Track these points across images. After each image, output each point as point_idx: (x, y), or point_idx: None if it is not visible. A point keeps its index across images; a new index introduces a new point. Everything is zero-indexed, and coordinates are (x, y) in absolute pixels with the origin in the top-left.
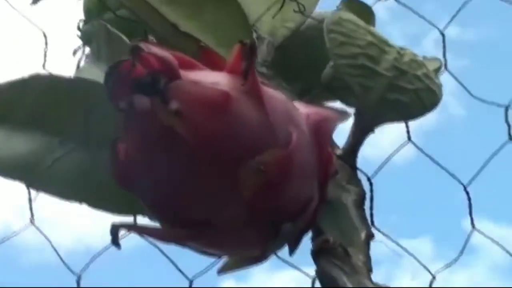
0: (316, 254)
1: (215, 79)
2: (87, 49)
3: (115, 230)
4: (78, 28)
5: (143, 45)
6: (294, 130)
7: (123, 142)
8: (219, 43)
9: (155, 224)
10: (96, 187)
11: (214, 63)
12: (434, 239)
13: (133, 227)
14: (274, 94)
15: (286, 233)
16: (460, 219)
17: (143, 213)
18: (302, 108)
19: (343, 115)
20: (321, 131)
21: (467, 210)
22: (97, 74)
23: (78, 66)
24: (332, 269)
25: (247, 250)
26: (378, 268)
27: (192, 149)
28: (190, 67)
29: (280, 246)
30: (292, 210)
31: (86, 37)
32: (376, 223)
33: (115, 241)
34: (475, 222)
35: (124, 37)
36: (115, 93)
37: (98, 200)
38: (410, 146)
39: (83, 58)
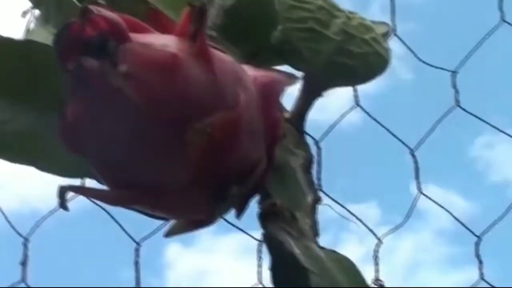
0: (263, 218)
1: (164, 42)
2: (37, 12)
3: (62, 192)
4: None
5: (92, 7)
6: (242, 92)
7: (71, 104)
8: (168, 6)
9: (103, 187)
10: (45, 149)
11: (164, 26)
12: (381, 204)
13: (80, 189)
14: (223, 57)
15: (233, 197)
16: (407, 184)
17: (92, 176)
18: (251, 71)
19: (292, 79)
20: (269, 94)
21: (414, 175)
22: (47, 37)
23: (27, 29)
24: (279, 232)
25: (194, 213)
26: (326, 232)
27: (140, 111)
28: (139, 30)
29: (227, 210)
30: (239, 173)
31: (36, 0)
32: (324, 187)
33: (63, 203)
34: (424, 188)
35: (75, 1)
36: (64, 55)
37: (46, 163)
38: (359, 112)
39: (33, 21)
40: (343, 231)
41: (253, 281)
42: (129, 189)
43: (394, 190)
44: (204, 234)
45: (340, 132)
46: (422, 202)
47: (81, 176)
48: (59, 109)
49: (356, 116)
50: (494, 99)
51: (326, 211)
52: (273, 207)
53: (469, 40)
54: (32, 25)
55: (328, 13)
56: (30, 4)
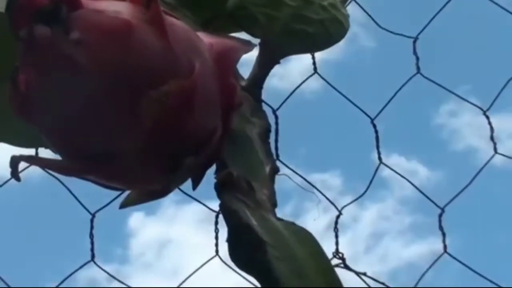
0: (220, 188)
1: (117, 8)
2: None
3: (14, 162)
4: None
5: None
6: (197, 59)
7: (22, 72)
8: None
9: (57, 157)
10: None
11: None
12: (344, 173)
13: (33, 159)
14: (177, 24)
15: (189, 167)
16: (369, 153)
17: (46, 146)
18: (206, 38)
19: (248, 46)
20: (225, 61)
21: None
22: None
23: None
24: (235, 203)
25: (149, 183)
26: (287, 202)
27: (93, 79)
28: None
29: (183, 180)
30: (195, 142)
31: None
32: (286, 155)
33: (15, 173)
34: (387, 157)
35: None
36: (16, 23)
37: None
38: (320, 80)
39: None
40: (306, 200)
41: (212, 251)
42: (83, 158)
43: (357, 158)
44: (167, 203)
45: (301, 100)
46: (387, 171)
47: (35, 145)
48: (10, 77)
49: (317, 83)
50: (458, 66)
51: (288, 181)
52: (229, 177)
53: (431, 5)
54: None
55: None
56: None
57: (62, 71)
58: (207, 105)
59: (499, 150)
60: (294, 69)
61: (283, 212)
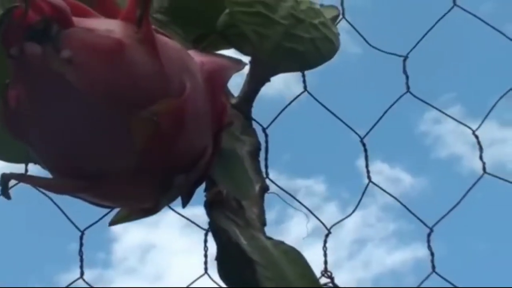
0: (209, 206)
1: (109, 27)
2: None
3: (5, 180)
4: None
5: None
6: (188, 79)
7: (13, 89)
8: None
9: (47, 174)
10: None
11: (109, 10)
12: (328, 179)
13: (24, 178)
14: (169, 43)
15: (179, 185)
16: (354, 159)
17: (35, 162)
18: (197, 57)
19: (238, 64)
20: (216, 80)
21: (362, 155)
22: None
23: None
24: (225, 222)
25: (139, 202)
26: (272, 207)
27: (84, 98)
28: (84, 14)
29: (173, 198)
30: (185, 161)
31: None
32: (270, 161)
33: (5, 192)
34: (370, 164)
35: None
36: (7, 40)
37: None
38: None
39: None
40: (289, 207)
41: (198, 257)
42: (73, 177)
43: (341, 165)
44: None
45: (284, 105)
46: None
47: (25, 161)
48: (1, 94)
49: (300, 89)
50: (442, 74)
51: (271, 185)
52: (218, 195)
53: (420, 22)
54: None
55: None
56: None
57: (53, 89)
58: (198, 124)
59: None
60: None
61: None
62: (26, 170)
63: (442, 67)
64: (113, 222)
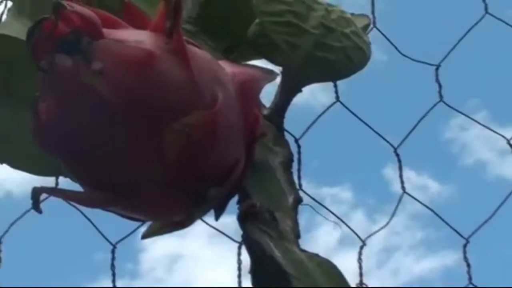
0: (243, 219)
1: (139, 38)
2: (10, 3)
3: (36, 194)
4: None
5: (65, 3)
6: (219, 90)
7: (44, 102)
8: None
9: (77, 186)
10: (19, 147)
11: (139, 21)
12: (354, 186)
13: (54, 191)
14: (200, 53)
15: (212, 198)
16: (380, 166)
17: (65, 175)
18: (228, 68)
19: (270, 75)
20: (248, 91)
21: (389, 163)
22: (19, 29)
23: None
24: (259, 234)
25: (171, 215)
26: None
27: (115, 110)
28: (113, 25)
29: (205, 211)
30: (218, 174)
31: None
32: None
33: (36, 206)
34: (396, 171)
35: None
36: (37, 52)
37: (20, 160)
38: (330, 92)
39: (5, 12)
40: (317, 215)
41: (226, 267)
42: (105, 190)
43: (367, 172)
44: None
45: (312, 113)
46: (397, 186)
47: (56, 174)
48: (32, 106)
49: (327, 96)
50: (466, 79)
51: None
52: (252, 208)
53: (451, 30)
54: (4, 17)
55: (306, 6)
56: None
57: (83, 101)
58: (230, 136)
59: (509, 162)
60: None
61: None
62: (57, 183)
63: (466, 72)
64: (145, 236)
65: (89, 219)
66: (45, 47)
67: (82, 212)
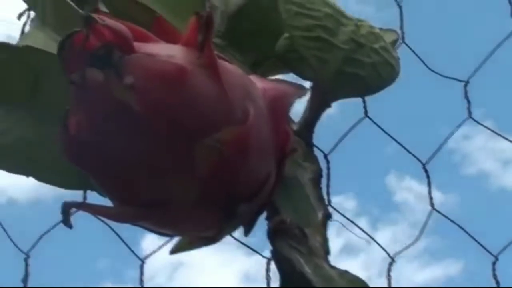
0: (272, 235)
1: (170, 52)
2: (32, 14)
3: (66, 209)
4: None
5: (97, 17)
6: (251, 105)
7: (74, 116)
8: (171, 13)
9: (105, 200)
10: (44, 160)
11: (168, 34)
12: (358, 195)
13: (84, 206)
14: (231, 68)
15: (242, 214)
16: (383, 175)
17: (93, 188)
18: (259, 82)
19: (301, 90)
20: (279, 107)
21: (392, 171)
22: (43, 39)
23: (23, 31)
24: (289, 250)
25: (202, 230)
26: None
27: (147, 125)
28: (144, 39)
29: (236, 227)
30: (249, 189)
31: (32, 1)
32: None
33: (66, 221)
34: (399, 180)
35: (72, 3)
36: (68, 65)
37: (46, 173)
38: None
39: (28, 23)
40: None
41: (228, 275)
42: (135, 205)
43: (371, 181)
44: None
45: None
46: (399, 194)
47: (82, 188)
48: (62, 120)
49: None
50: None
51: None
52: (282, 224)
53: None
54: (27, 28)
55: (335, 21)
56: (25, 6)
57: (115, 115)
58: (261, 152)
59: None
60: None
61: None
62: (85, 197)
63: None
64: (174, 251)
65: (118, 235)
66: (76, 60)
67: (111, 228)
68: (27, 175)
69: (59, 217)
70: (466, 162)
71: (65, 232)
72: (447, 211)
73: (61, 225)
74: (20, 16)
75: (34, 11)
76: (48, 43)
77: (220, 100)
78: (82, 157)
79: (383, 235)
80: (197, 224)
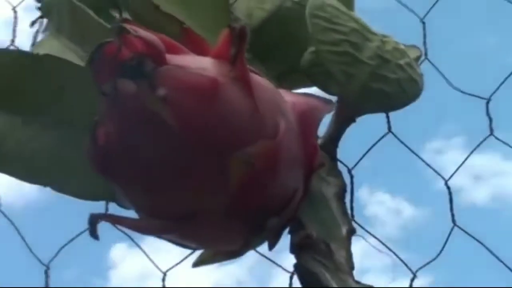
0: (297, 250)
1: (201, 65)
2: (45, 21)
3: (93, 221)
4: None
5: (129, 27)
6: (281, 120)
7: (103, 125)
8: (195, 24)
9: (125, 211)
10: (63, 170)
11: (197, 46)
12: None
13: (111, 218)
14: (262, 82)
15: (272, 228)
16: (355, 188)
17: (112, 199)
18: (287, 96)
19: (329, 105)
20: (308, 122)
21: (364, 185)
22: (57, 47)
23: (35, 38)
24: (314, 265)
25: (227, 244)
26: None
27: (179, 137)
28: (174, 50)
29: (262, 241)
30: (277, 203)
31: (46, 9)
32: None
33: (93, 232)
34: (372, 194)
35: (91, 12)
36: (98, 76)
37: (64, 184)
38: None
39: (41, 31)
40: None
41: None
42: (161, 217)
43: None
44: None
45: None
46: (370, 207)
47: (101, 199)
48: (90, 131)
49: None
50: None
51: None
52: (308, 238)
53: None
54: (42, 35)
55: (361, 36)
56: (37, 14)
57: (146, 127)
58: (291, 166)
59: (482, 188)
60: None
61: None
62: (107, 209)
63: (439, 96)
64: (196, 264)
65: (141, 248)
66: (106, 71)
67: (133, 240)
68: (45, 185)
69: (103, 249)
70: (438, 177)
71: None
72: (418, 225)
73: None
74: (33, 23)
75: (49, 19)
76: (63, 51)
77: (252, 113)
78: (109, 168)
79: (354, 249)
80: (222, 237)
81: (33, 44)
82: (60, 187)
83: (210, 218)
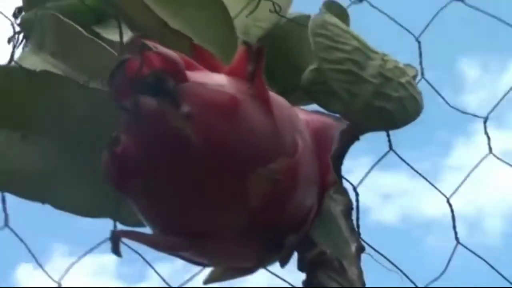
0: (311, 267)
1: (219, 81)
2: (21, 38)
3: (116, 238)
4: (14, 16)
5: (150, 44)
6: (299, 137)
7: (122, 141)
8: (204, 41)
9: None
10: (61, 187)
11: (208, 62)
12: None
13: (131, 234)
14: (278, 99)
15: (290, 245)
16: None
17: (112, 216)
18: (301, 114)
19: (341, 123)
20: (322, 139)
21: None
22: (38, 63)
23: (12, 55)
24: (330, 282)
25: (242, 261)
26: None
27: (199, 154)
28: (190, 67)
29: (276, 259)
30: (294, 221)
31: (27, 25)
32: None
33: (116, 249)
34: None
35: (80, 29)
36: (118, 92)
37: (62, 200)
38: None
39: (18, 47)
40: None
41: None
42: (177, 234)
43: None
44: (58, 253)
45: None
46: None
47: (100, 216)
48: (107, 146)
49: None
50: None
51: None
52: (321, 255)
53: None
54: (21, 51)
55: (363, 55)
56: (15, 30)
57: (167, 143)
58: (308, 184)
59: (391, 207)
60: None
61: None
62: (115, 226)
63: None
64: (207, 281)
65: (151, 265)
66: (127, 88)
67: (142, 257)
68: (43, 202)
69: (110, 266)
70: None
71: None
72: None
73: None
74: (9, 40)
75: (30, 35)
76: (45, 67)
77: (271, 130)
78: (127, 183)
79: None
80: (239, 254)
81: (11, 60)
82: (58, 204)
83: (228, 235)
